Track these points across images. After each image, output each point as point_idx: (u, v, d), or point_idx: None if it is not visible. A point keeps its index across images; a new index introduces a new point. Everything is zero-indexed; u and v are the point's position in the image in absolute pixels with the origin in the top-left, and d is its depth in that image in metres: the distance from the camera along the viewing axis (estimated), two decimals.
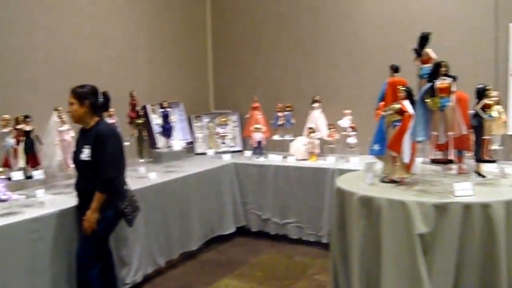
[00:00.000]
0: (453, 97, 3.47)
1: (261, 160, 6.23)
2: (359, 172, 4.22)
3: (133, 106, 5.44)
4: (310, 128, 6.05)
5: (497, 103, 5.19)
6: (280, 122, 6.51)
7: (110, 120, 4.63)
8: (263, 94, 6.87)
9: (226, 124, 6.92)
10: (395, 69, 4.38)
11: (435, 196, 3.26)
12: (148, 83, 6.44)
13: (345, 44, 6.51)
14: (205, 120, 7.10)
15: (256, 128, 6.39)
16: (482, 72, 5.63)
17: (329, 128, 6.08)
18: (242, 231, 6.29)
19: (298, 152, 6.11)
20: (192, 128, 6.97)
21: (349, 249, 3.51)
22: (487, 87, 3.74)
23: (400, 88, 3.73)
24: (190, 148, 6.78)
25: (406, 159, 3.54)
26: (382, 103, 4.00)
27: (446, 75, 3.53)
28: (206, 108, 7.51)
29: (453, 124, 3.45)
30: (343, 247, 3.62)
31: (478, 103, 3.74)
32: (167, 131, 5.78)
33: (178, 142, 6.32)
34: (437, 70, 3.52)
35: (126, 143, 4.23)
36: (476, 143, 3.78)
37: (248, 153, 6.58)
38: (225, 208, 6.09)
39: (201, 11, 7.50)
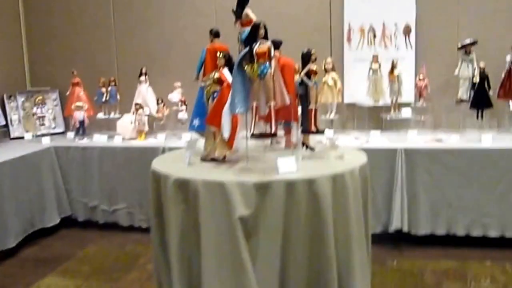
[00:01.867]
0: (273, 63, 3.17)
1: (84, 142, 5.73)
2: (179, 152, 3.91)
3: None
4: (137, 104, 5.66)
5: (332, 69, 5.24)
6: (104, 99, 6.05)
7: None
8: (85, 67, 6.32)
9: (44, 103, 6.31)
10: (215, 34, 4.09)
11: (258, 175, 3.01)
12: None
13: (172, 10, 6.17)
14: (20, 99, 6.42)
15: (77, 106, 5.85)
16: (316, 38, 5.61)
17: (158, 103, 5.72)
18: (68, 222, 5.77)
19: (125, 131, 5.68)
20: (5, 110, 6.28)
21: (168, 237, 3.19)
22: (312, 51, 3.53)
23: (219, 55, 3.45)
24: (3, 132, 6.17)
25: (226, 134, 3.26)
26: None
27: (265, 38, 3.21)
28: (22, 86, 6.76)
29: (275, 94, 3.20)
30: (162, 235, 3.28)
31: (302, 69, 3.54)
32: None
33: None
34: (255, 33, 3.18)
35: None
36: (302, 113, 3.59)
37: (71, 134, 6.05)
38: (46, 198, 5.53)
39: None
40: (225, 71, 3.40)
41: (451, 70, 5.17)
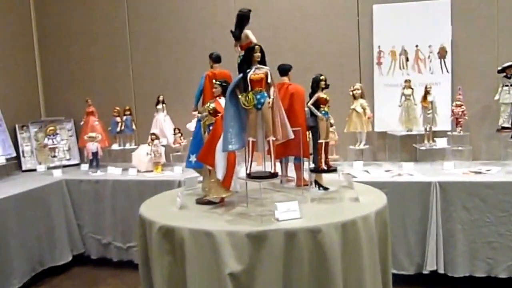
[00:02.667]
0: (272, 91, 2.81)
1: (97, 174, 5.43)
2: (174, 192, 3.58)
3: None
4: (153, 134, 5.34)
5: (361, 96, 4.89)
6: (118, 129, 5.76)
7: None
8: (101, 96, 6.07)
9: (56, 134, 6.03)
10: (215, 59, 3.78)
11: (253, 223, 2.63)
12: None
13: (192, 35, 5.87)
14: (33, 129, 6.16)
15: (90, 137, 5.57)
16: (344, 62, 5.30)
17: (175, 133, 5.41)
18: (81, 259, 5.45)
19: (141, 163, 5.36)
20: (17, 140, 6.03)
21: None
22: (321, 77, 3.14)
23: (215, 82, 3.11)
24: (15, 165, 5.90)
25: (220, 174, 2.89)
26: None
27: (262, 62, 2.85)
28: (36, 115, 6.51)
29: (275, 127, 2.81)
30: (150, 287, 2.94)
31: (310, 98, 3.16)
32: None
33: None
34: (249, 57, 2.82)
35: None
36: (313, 148, 3.22)
37: (85, 166, 5.75)
38: (57, 234, 5.21)
39: (24, 2, 6.49)
40: (222, 101, 3.06)
41: (491, 96, 4.75)
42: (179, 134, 5.38)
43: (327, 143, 3.17)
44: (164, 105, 5.63)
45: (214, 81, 3.17)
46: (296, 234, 2.50)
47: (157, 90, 5.81)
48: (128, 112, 5.76)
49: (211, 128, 3.03)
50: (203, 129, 3.15)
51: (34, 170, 5.93)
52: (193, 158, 3.27)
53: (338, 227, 2.55)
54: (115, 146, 5.84)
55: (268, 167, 2.81)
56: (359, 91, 4.89)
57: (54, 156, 6.01)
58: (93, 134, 5.57)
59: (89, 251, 5.45)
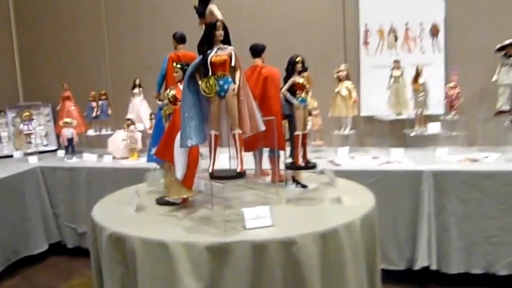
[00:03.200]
0: (238, 76, 2.36)
1: (73, 161, 5.02)
2: (137, 187, 3.14)
3: None
4: (129, 119, 4.90)
5: (346, 78, 4.47)
6: (94, 114, 5.33)
7: None
8: (77, 80, 5.66)
9: (31, 119, 5.62)
10: (179, 39, 3.34)
11: (215, 232, 2.17)
12: None
13: (167, 16, 5.48)
14: (11, 115, 5.74)
15: (65, 122, 5.12)
16: (328, 42, 4.89)
17: (152, 118, 4.98)
18: (58, 249, 5.08)
19: (116, 149, 4.92)
20: None
21: None
22: (297, 59, 2.68)
23: (176, 66, 2.63)
24: None
25: (179, 173, 2.45)
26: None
27: (226, 42, 2.38)
28: (15, 100, 6.11)
29: (241, 118, 2.37)
30: None
31: (285, 82, 2.71)
32: None
33: None
34: (210, 36, 2.36)
35: None
36: (290, 139, 2.79)
37: (61, 153, 5.32)
38: (32, 223, 4.84)
39: None
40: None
41: (488, 76, 4.29)
42: (155, 119, 5.00)
43: (305, 135, 2.70)
44: (141, 89, 5.18)
45: (174, 64, 2.71)
46: (266, 246, 2.04)
47: (134, 73, 5.36)
48: (104, 97, 5.31)
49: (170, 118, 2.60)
50: (164, 119, 2.72)
51: (11, 156, 5.56)
52: (153, 150, 2.83)
53: (317, 237, 2.09)
54: (91, 132, 5.42)
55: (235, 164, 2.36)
56: (344, 73, 4.46)
57: (30, 142, 5.63)
58: (68, 120, 5.14)
59: (66, 241, 5.08)
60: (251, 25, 4.99)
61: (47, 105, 5.93)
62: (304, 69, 2.70)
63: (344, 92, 4.44)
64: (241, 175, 2.29)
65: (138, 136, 4.94)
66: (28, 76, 6.29)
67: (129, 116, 5.03)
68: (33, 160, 5.14)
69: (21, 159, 5.39)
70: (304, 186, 2.80)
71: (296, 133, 2.67)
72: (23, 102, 6.13)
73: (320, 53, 4.80)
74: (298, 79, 2.68)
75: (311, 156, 4.16)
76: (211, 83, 2.31)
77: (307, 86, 2.69)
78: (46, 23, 6.11)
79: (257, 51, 3.05)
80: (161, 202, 2.67)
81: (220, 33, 2.36)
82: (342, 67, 4.48)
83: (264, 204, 2.28)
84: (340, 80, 4.48)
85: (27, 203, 4.86)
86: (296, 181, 2.81)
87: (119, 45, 5.77)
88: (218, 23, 2.35)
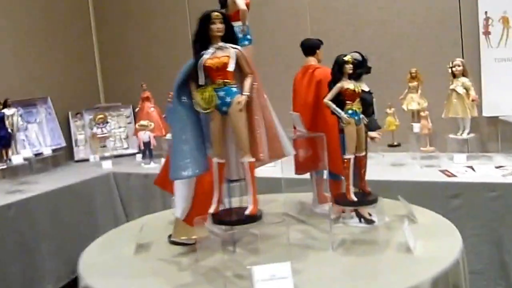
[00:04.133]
0: (246, 84, 1.73)
1: (150, 166, 4.54)
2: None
3: None
4: None
5: (463, 74, 3.69)
6: None
7: None
8: (159, 81, 5.17)
9: (106, 122, 5.21)
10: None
11: None
12: None
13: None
14: (88, 117, 5.36)
15: (141, 125, 4.66)
16: (442, 34, 4.18)
17: None
18: None
19: None
20: (70, 129, 5.27)
21: None
22: (345, 58, 2.01)
23: None
24: (67, 154, 5.18)
25: (178, 211, 1.96)
26: None
27: (227, 39, 1.77)
28: (95, 102, 5.73)
29: (254, 141, 1.74)
30: None
31: (329, 88, 2.04)
32: (1, 140, 4.10)
33: (46, 149, 4.75)
34: (203, 31, 1.75)
35: None
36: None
37: (139, 157, 4.88)
38: (102, 233, 4.41)
39: None
40: None
41: None
42: None
43: (361, 159, 2.04)
44: None
45: None
46: None
47: None
48: None
49: None
50: None
51: (87, 160, 5.16)
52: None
53: None
54: (169, 136, 4.94)
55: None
56: (460, 68, 3.69)
57: (105, 146, 5.20)
58: (144, 122, 4.66)
59: None
60: (347, 15, 4.31)
61: (128, 106, 5.54)
62: (359, 73, 2.08)
63: (460, 90, 3.67)
64: (252, 218, 1.68)
65: None
66: (109, 77, 5.95)
67: None
68: (107, 165, 4.75)
69: (96, 163, 4.99)
70: (369, 222, 2.13)
71: (346, 156, 2.01)
72: (104, 103, 5.75)
73: (431, 46, 4.15)
74: (347, 84, 2.00)
75: (421, 163, 3.43)
76: (207, 94, 1.70)
77: (358, 91, 2.02)
78: (126, 23, 5.78)
79: (310, 47, 2.50)
80: (174, 241, 2.11)
81: (217, 27, 1.75)
82: (457, 61, 3.72)
83: (307, 248, 1.83)
84: (455, 76, 3.72)
85: (98, 211, 4.49)
86: (359, 214, 2.14)
87: None
88: (214, 14, 1.74)
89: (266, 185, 2.21)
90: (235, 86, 1.73)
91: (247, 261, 1.78)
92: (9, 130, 4.12)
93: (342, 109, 2.00)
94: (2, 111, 4.16)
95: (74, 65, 5.56)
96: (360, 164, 2.04)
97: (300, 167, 2.33)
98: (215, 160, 1.74)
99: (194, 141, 1.75)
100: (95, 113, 5.34)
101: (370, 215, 2.14)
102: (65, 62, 5.42)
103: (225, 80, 1.71)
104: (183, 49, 5.24)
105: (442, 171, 3.43)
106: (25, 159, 4.26)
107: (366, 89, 2.24)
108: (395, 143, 3.98)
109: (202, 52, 1.73)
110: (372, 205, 2.05)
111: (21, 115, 4.55)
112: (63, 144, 5.05)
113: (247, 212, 1.67)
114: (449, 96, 3.73)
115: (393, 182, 3.27)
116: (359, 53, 2.23)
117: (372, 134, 2.35)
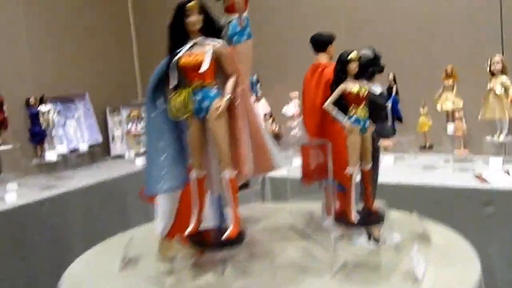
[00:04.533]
0: (228, 86, 1.58)
1: None
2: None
3: None
4: None
5: (502, 72, 3.46)
6: None
7: None
8: None
9: (140, 119, 5.18)
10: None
11: None
12: (32, 70, 4.71)
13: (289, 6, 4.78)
14: (125, 113, 5.34)
15: None
16: (480, 30, 4.03)
17: (266, 119, 4.30)
18: None
19: None
20: (107, 125, 5.29)
21: None
22: (349, 56, 1.79)
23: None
24: (103, 150, 5.20)
25: (159, 225, 1.79)
26: None
27: (208, 32, 1.62)
28: (133, 97, 5.72)
29: (238, 152, 1.59)
30: None
31: (331, 90, 1.84)
32: (36, 136, 4.19)
33: (82, 145, 4.79)
34: (178, 23, 1.63)
35: None
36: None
37: None
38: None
39: None
40: None
41: None
42: (271, 120, 4.31)
43: (366, 173, 1.84)
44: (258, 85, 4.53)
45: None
46: None
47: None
48: None
49: None
50: None
51: (123, 156, 5.18)
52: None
53: None
54: None
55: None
56: (499, 65, 3.47)
57: (138, 143, 5.18)
58: None
59: None
60: (377, 8, 4.13)
61: None
62: (372, 71, 1.92)
63: (498, 90, 3.44)
64: (232, 241, 1.54)
65: None
66: (147, 72, 5.83)
67: None
68: (140, 162, 4.68)
69: (130, 160, 5.01)
70: (376, 240, 1.90)
71: (348, 170, 1.80)
72: (140, 100, 5.72)
73: (468, 42, 4.00)
74: (350, 86, 1.79)
75: (455, 167, 3.21)
76: (182, 98, 1.52)
77: (363, 95, 1.81)
78: (166, 18, 5.62)
79: (320, 43, 2.25)
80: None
81: (192, 20, 1.56)
82: (496, 58, 3.48)
83: (302, 272, 1.60)
84: (493, 74, 3.50)
85: (129, 208, 4.39)
86: (368, 232, 1.91)
87: None
88: (190, 5, 1.55)
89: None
90: (215, 88, 1.57)
91: (235, 285, 1.64)
92: (43, 127, 4.17)
93: (346, 114, 1.82)
94: (38, 107, 4.20)
95: (113, 61, 5.57)
96: (365, 179, 1.85)
97: (307, 175, 2.16)
98: (194, 173, 1.60)
99: (171, 151, 1.61)
100: (131, 109, 5.32)
101: (379, 231, 1.96)
102: (103, 58, 5.43)
103: (203, 82, 1.55)
104: None
105: (477, 176, 3.23)
106: (60, 155, 4.31)
107: (378, 91, 2.06)
108: (428, 145, 3.78)
109: (177, 50, 1.59)
110: (377, 223, 1.87)
111: (59, 111, 4.62)
112: (100, 140, 5.06)
113: (225, 235, 1.54)
114: (487, 95, 3.51)
115: (421, 188, 3.08)
116: (372, 49, 2.05)
117: (384, 142, 2.17)
